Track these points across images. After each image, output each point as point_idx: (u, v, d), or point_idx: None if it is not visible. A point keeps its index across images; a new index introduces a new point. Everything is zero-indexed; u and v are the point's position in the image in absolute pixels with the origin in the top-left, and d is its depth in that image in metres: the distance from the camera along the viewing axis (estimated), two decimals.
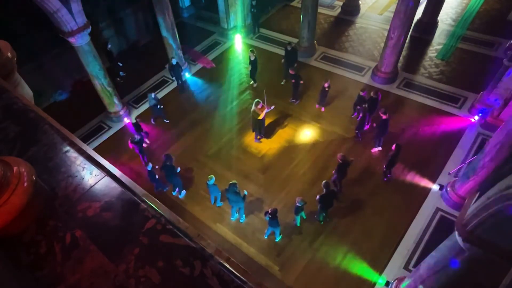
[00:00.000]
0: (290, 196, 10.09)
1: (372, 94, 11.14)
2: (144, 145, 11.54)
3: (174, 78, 13.80)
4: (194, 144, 12.07)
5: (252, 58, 13.15)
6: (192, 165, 11.37)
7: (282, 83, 13.66)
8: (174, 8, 13.58)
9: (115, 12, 15.19)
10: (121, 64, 15.14)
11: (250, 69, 13.58)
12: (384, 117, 10.12)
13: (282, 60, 13.56)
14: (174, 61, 12.98)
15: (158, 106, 12.29)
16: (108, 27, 15.25)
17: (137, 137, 10.77)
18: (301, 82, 12.40)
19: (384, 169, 10.05)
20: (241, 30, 16.35)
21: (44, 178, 2.13)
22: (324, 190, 8.67)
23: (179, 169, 10.00)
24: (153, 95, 12.21)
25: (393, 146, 9.37)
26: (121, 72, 15.13)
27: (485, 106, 11.38)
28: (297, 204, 8.70)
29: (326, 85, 11.67)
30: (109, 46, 14.51)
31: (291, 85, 12.66)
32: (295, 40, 15.47)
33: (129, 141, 10.74)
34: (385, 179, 10.24)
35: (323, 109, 12.61)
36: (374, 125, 11.29)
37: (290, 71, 12.12)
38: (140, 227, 1.91)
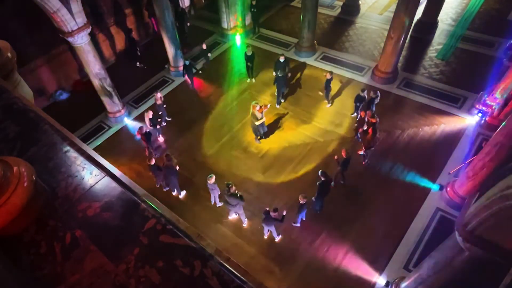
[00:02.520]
0: (290, 196, 10.09)
1: (371, 94, 11.16)
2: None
3: (186, 76, 14.00)
4: (194, 144, 12.06)
5: (249, 54, 13.12)
6: (192, 165, 11.36)
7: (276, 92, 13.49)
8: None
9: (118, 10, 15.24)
10: (139, 53, 15.50)
11: (246, 64, 13.61)
12: (373, 120, 10.32)
13: (274, 73, 13.05)
14: (187, 62, 13.39)
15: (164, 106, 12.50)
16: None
17: (145, 128, 10.97)
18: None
19: (364, 154, 10.47)
20: (241, 30, 16.35)
21: (44, 178, 2.13)
22: (322, 178, 8.84)
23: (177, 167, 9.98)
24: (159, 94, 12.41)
25: (369, 130, 10.00)
26: (137, 64, 15.60)
27: (485, 106, 11.36)
28: (301, 202, 8.69)
29: (328, 76, 11.77)
30: (132, 33, 15.30)
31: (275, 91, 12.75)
32: (295, 40, 15.49)
33: (137, 132, 10.97)
34: (363, 162, 10.68)
35: (328, 104, 12.68)
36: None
37: (279, 74, 12.02)
38: (140, 227, 1.91)
